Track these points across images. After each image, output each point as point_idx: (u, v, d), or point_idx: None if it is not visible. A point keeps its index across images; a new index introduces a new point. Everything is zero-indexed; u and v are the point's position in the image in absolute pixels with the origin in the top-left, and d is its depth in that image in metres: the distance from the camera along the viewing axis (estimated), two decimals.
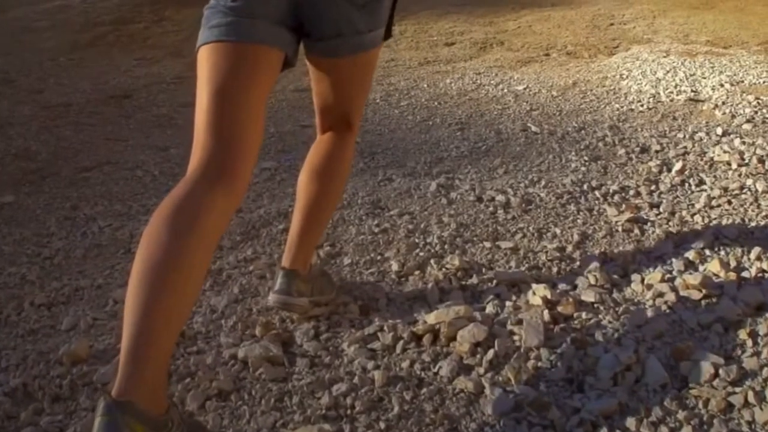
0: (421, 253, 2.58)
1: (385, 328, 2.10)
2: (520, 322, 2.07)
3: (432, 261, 2.51)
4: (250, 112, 1.66)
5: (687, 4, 7.18)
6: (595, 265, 2.41)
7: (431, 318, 2.07)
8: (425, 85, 5.15)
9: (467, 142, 3.91)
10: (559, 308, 2.15)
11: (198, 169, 1.59)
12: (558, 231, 2.75)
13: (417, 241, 2.68)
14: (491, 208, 2.94)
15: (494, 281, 2.36)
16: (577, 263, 2.51)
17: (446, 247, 2.62)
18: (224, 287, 2.47)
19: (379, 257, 2.58)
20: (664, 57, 5.43)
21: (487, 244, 2.63)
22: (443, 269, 2.45)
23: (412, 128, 4.24)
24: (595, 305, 2.20)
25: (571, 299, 2.18)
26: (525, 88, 4.92)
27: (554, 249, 2.59)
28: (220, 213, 1.57)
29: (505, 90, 4.92)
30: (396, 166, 3.58)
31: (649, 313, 2.13)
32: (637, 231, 2.74)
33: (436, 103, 4.71)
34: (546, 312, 2.10)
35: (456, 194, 3.10)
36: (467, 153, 3.73)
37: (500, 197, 3.03)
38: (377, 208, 3.01)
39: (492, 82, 5.14)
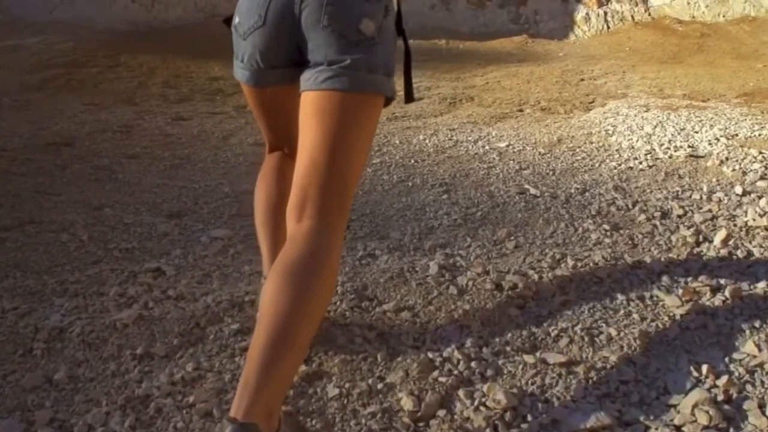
0: (442, 378, 1.57)
1: None
2: None
3: (460, 392, 1.51)
4: (287, 123, 1.73)
5: (655, 59, 6.44)
6: (698, 393, 1.48)
7: None
8: (397, 141, 4.21)
9: (457, 207, 2.96)
10: None
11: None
12: (613, 332, 1.81)
13: (431, 356, 1.67)
14: (518, 301, 1.98)
15: (563, 429, 1.39)
16: (662, 386, 1.57)
17: (473, 365, 1.63)
18: (150, 430, 1.47)
19: (380, 385, 1.56)
20: (646, 111, 4.63)
21: (529, 359, 1.66)
22: (481, 408, 1.46)
23: (389, 190, 3.28)
24: None
25: None
26: (507, 145, 4.02)
27: (621, 362, 1.65)
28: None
29: (487, 147, 4.01)
30: (377, 238, 2.60)
31: None
32: (712, 327, 1.85)
33: (412, 161, 3.76)
34: None
35: (466, 280, 2.10)
36: (461, 221, 2.78)
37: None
38: (364, 300, 1.99)
39: (469, 138, 4.23)
